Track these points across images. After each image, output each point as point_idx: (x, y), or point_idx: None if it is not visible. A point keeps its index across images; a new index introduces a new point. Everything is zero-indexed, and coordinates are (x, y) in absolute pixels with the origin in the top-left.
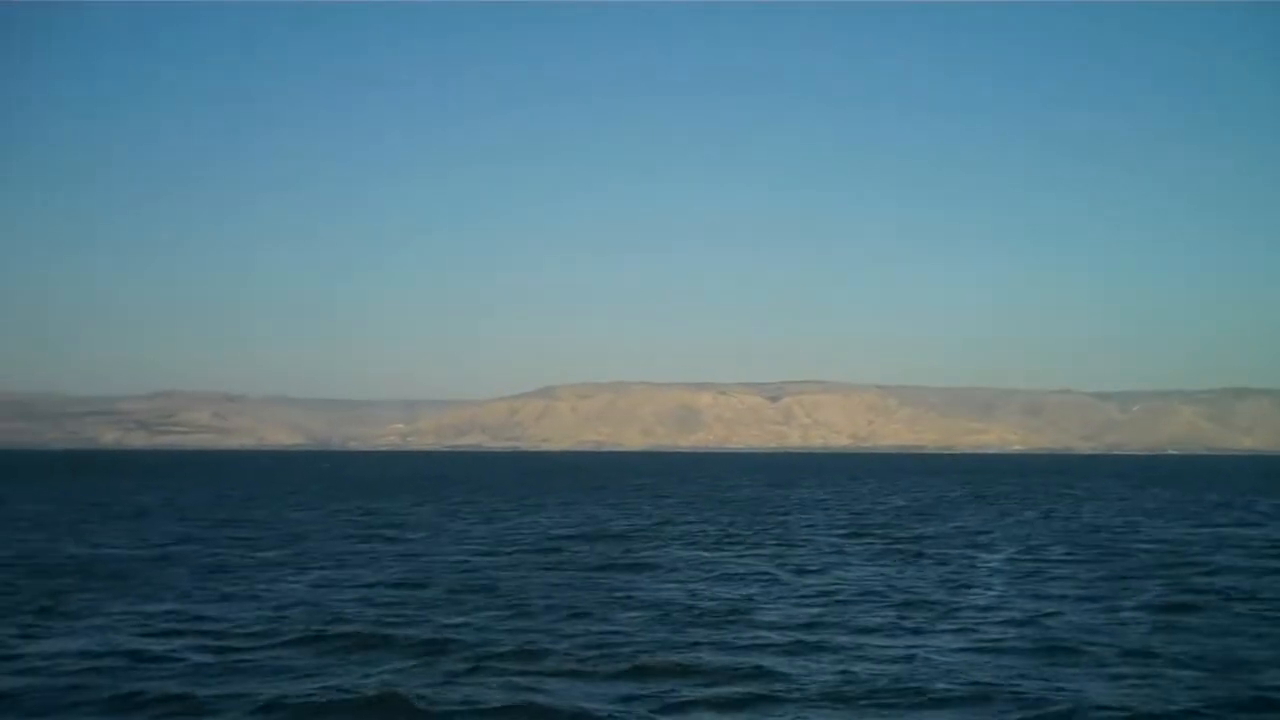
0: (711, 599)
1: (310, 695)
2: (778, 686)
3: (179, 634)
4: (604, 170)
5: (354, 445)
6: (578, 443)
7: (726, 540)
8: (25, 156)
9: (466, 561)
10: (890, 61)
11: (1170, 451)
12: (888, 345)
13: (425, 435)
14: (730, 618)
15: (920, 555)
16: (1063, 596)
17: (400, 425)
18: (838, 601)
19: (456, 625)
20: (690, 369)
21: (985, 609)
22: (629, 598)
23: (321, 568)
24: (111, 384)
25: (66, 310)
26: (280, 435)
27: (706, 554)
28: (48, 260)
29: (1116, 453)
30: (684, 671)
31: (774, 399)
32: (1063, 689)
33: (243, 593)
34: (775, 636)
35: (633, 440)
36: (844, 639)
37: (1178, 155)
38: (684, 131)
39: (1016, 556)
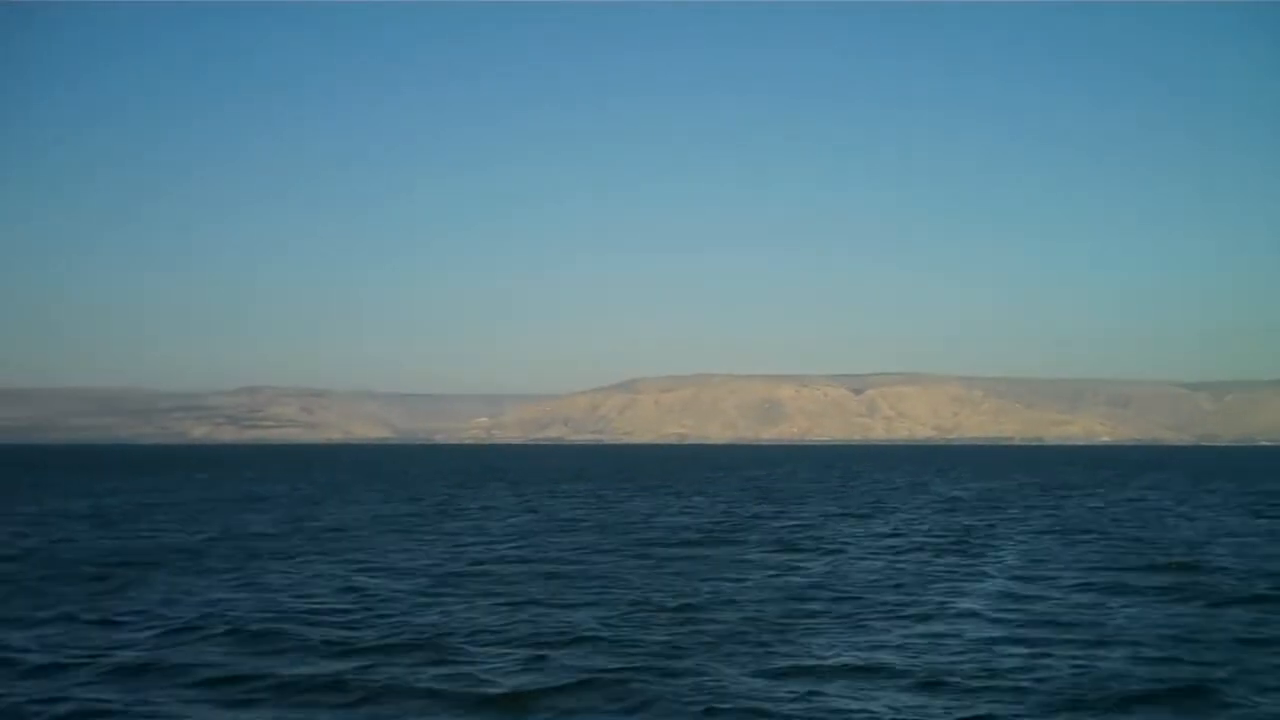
0: (688, 593)
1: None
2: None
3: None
4: (685, 164)
5: (439, 439)
6: (660, 436)
7: (763, 538)
8: (100, 162)
9: (490, 552)
10: (945, 53)
11: (1262, 442)
12: (972, 337)
13: (509, 429)
14: (695, 610)
15: (954, 547)
16: (1073, 585)
17: (484, 419)
18: (812, 593)
19: (426, 614)
20: (773, 361)
21: (963, 596)
22: (615, 591)
23: (335, 559)
24: (201, 380)
25: (157, 309)
26: (366, 429)
27: (726, 550)
28: (138, 260)
29: (1206, 444)
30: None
31: (857, 391)
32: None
33: (227, 582)
34: (715, 628)
35: (715, 433)
36: (789, 629)
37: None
38: (764, 127)
39: (1040, 549)
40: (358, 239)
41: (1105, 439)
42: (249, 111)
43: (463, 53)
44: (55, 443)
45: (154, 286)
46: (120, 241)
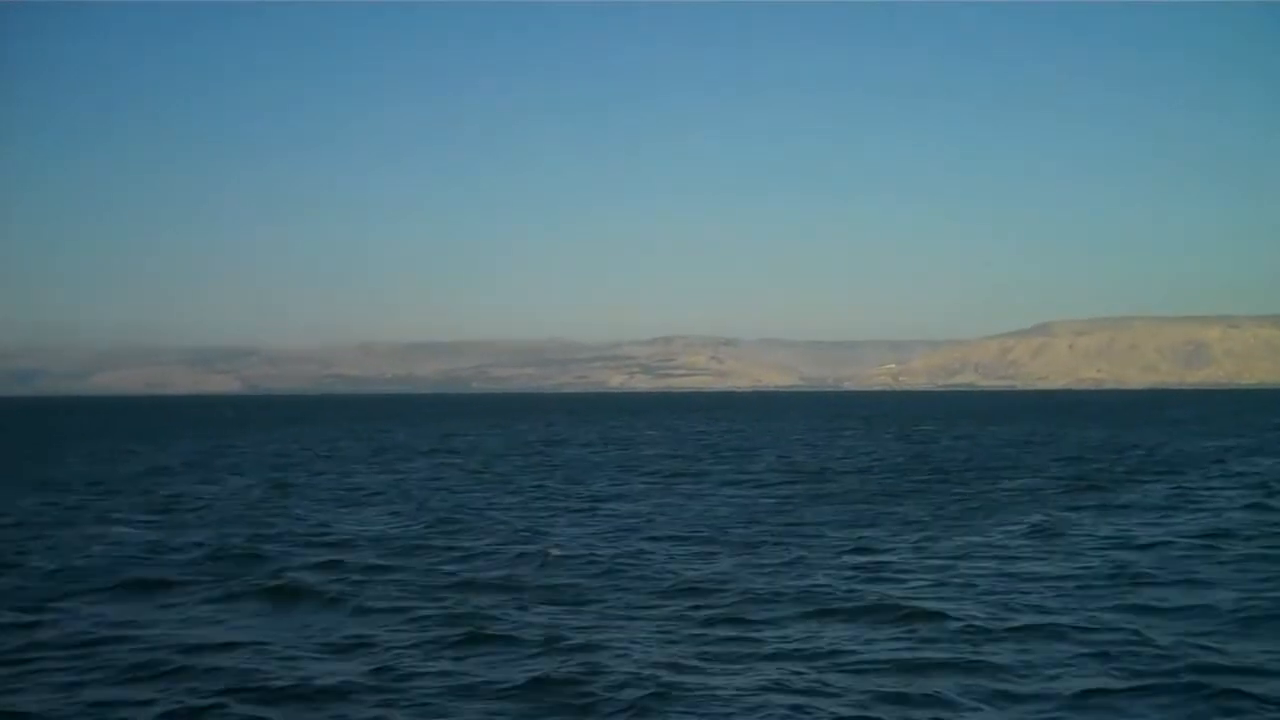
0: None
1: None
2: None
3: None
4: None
5: (846, 386)
6: (1075, 380)
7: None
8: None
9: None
10: None
11: None
12: None
13: (916, 375)
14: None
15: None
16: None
17: (891, 365)
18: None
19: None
20: (1198, 300)
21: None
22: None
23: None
24: (617, 331)
25: (576, 262)
26: (774, 376)
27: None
28: (564, 217)
29: None
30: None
31: None
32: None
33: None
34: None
35: (1133, 377)
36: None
37: None
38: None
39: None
40: (762, 191)
41: None
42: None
43: None
44: (482, 391)
45: (574, 242)
46: (541, 201)
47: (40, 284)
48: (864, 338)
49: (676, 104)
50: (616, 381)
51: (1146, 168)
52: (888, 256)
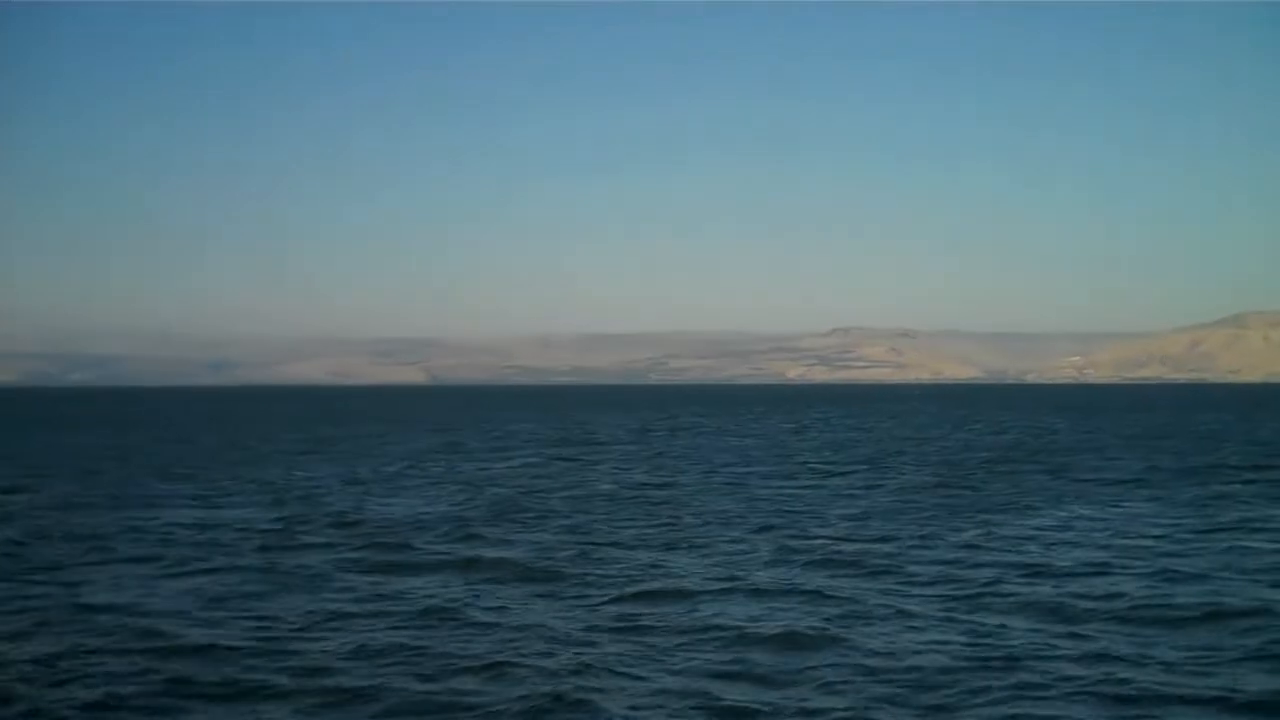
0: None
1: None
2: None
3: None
4: None
5: (1030, 379)
6: (1269, 374)
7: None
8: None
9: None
10: None
11: None
12: None
13: (1102, 368)
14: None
15: None
16: None
17: (1076, 358)
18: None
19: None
20: None
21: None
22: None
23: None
24: (795, 322)
25: (754, 254)
26: (955, 369)
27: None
28: (742, 209)
29: None
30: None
31: None
32: None
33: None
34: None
35: None
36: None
37: None
38: None
39: None
40: (943, 179)
41: None
42: None
43: None
44: (659, 383)
45: (751, 233)
46: (719, 194)
47: (232, 278)
48: (1048, 330)
49: (857, 96)
50: (794, 373)
51: None
52: (1072, 246)
